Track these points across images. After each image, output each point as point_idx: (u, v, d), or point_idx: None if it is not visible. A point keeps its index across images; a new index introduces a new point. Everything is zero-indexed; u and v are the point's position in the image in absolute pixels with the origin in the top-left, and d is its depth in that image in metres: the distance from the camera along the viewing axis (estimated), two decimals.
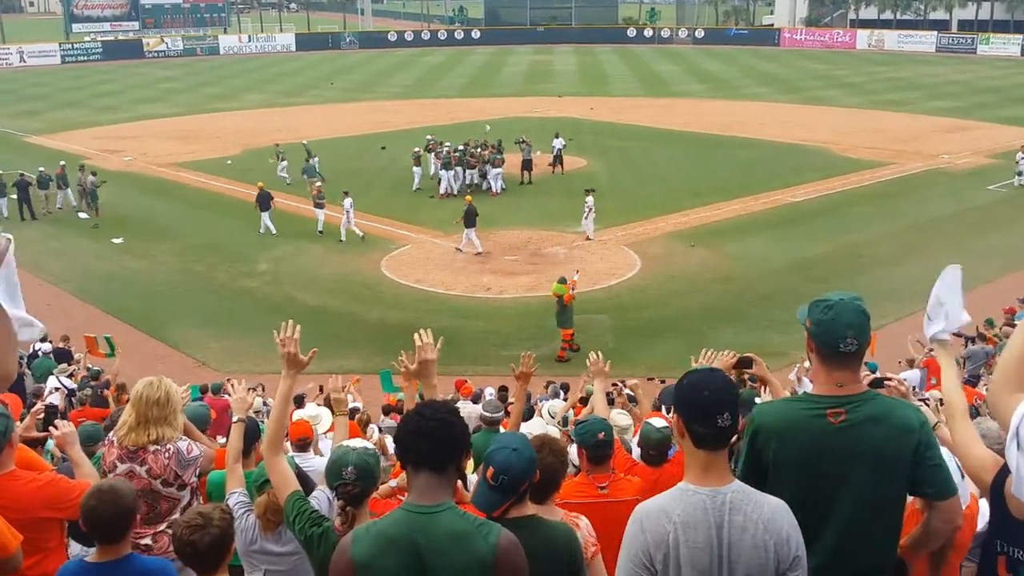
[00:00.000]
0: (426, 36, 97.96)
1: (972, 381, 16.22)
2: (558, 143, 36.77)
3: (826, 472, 3.65)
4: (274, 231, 28.90)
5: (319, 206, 28.52)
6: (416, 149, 34.98)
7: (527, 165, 35.17)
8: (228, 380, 14.15)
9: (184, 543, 4.07)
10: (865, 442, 3.63)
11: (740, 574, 3.24)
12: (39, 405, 8.45)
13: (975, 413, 12.12)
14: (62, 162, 32.72)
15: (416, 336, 4.92)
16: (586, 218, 27.68)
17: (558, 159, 36.70)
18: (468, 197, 28.63)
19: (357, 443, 4.30)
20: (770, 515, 3.29)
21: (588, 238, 27.76)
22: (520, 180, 34.93)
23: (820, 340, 3.66)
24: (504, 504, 3.75)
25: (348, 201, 28.04)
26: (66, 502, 4.86)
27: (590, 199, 27.59)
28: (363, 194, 29.89)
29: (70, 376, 15.38)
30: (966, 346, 18.12)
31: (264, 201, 29.12)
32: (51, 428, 5.68)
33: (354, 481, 4.14)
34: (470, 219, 26.63)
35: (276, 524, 4.94)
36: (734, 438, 3.40)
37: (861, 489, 3.66)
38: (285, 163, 35.39)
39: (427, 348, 4.87)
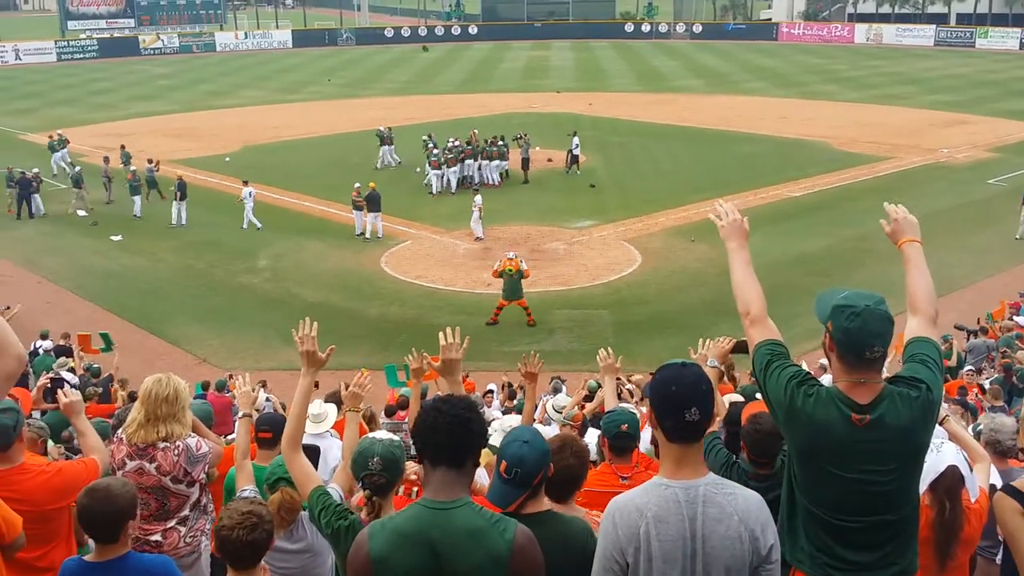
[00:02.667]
0: (423, 32, 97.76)
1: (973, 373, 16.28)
2: (575, 142, 36.11)
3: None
4: (183, 222, 29.53)
5: (358, 208, 28.29)
6: (430, 144, 34.87)
7: (525, 164, 34.90)
8: (231, 376, 14.19)
9: (243, 544, 4.03)
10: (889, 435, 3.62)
11: (717, 566, 3.28)
12: (44, 379, 8.47)
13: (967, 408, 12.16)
14: (133, 167, 32.23)
15: (441, 335, 4.91)
16: (475, 219, 27.58)
17: (575, 159, 36.14)
18: (372, 184, 28.67)
19: (383, 435, 4.29)
20: (744, 506, 3.33)
21: (478, 238, 27.62)
22: (523, 179, 34.74)
23: (844, 347, 3.64)
24: (519, 498, 3.76)
25: (247, 190, 29.19)
26: (77, 487, 4.87)
27: (478, 198, 27.74)
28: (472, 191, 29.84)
29: (71, 370, 15.37)
30: (968, 339, 18.19)
31: (182, 190, 29.73)
32: (58, 394, 5.66)
33: (380, 472, 4.14)
34: (374, 204, 27.56)
35: (289, 522, 4.93)
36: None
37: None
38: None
39: (452, 347, 4.87)
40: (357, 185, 28.72)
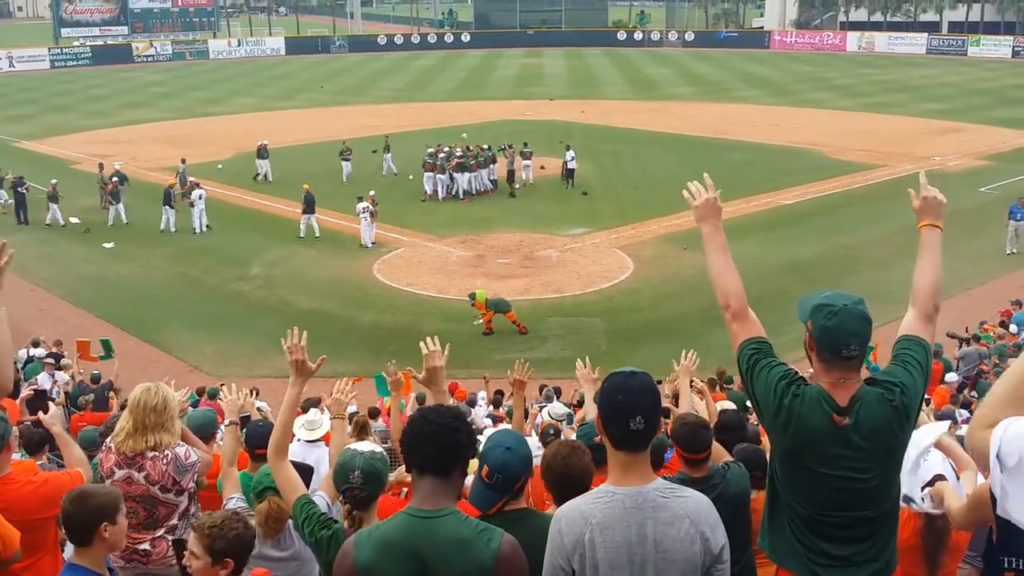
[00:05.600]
0: (416, 39, 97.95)
1: (965, 383, 16.33)
2: (570, 156, 35.11)
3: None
4: (172, 228, 29.77)
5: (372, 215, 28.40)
6: (430, 150, 34.75)
7: (511, 176, 34.54)
8: (222, 385, 14.20)
9: (236, 536, 3.96)
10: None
11: (672, 570, 3.30)
12: (27, 390, 8.46)
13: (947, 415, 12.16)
14: (192, 178, 32.20)
15: (422, 344, 4.90)
16: (365, 226, 27.85)
17: (570, 174, 35.04)
18: (305, 185, 29.26)
19: (364, 447, 4.28)
20: (695, 508, 3.36)
21: (361, 244, 27.79)
22: (509, 192, 34.42)
23: (823, 345, 3.68)
24: (500, 502, 3.80)
25: (197, 192, 29.94)
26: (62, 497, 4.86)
27: (361, 205, 27.92)
28: (355, 198, 29.81)
29: (51, 372, 15.40)
30: (960, 347, 18.22)
31: (168, 198, 29.96)
32: (39, 414, 5.70)
33: (361, 485, 4.14)
34: (309, 206, 28.49)
35: (276, 531, 4.92)
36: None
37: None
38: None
39: (435, 355, 4.86)
40: (372, 193, 29.15)
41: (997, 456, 2.97)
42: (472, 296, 21.32)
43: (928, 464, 4.63)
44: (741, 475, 5.31)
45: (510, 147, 35.50)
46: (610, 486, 3.40)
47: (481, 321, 21.20)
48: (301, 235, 28.66)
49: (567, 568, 3.34)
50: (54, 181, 31.57)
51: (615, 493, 3.36)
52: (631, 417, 3.33)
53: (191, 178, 32.02)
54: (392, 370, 6.52)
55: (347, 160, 36.69)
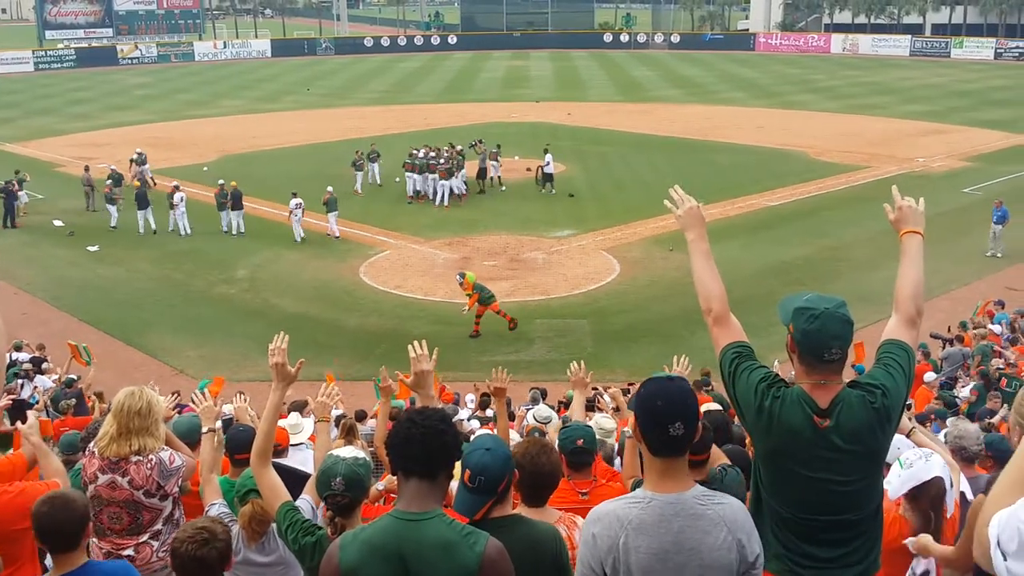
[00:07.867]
0: (402, 42, 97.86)
1: (949, 383, 16.41)
2: (547, 159, 34.68)
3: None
4: (153, 228, 30.02)
5: (332, 210, 28.67)
6: (413, 151, 34.69)
7: (482, 173, 34.51)
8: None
9: (191, 558, 4.02)
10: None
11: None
12: (6, 399, 8.38)
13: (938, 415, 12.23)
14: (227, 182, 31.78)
15: (410, 348, 4.88)
16: (297, 221, 28.44)
17: (548, 178, 34.57)
18: (234, 183, 30.20)
19: (347, 453, 4.26)
20: (732, 515, 3.35)
21: (303, 238, 28.49)
22: (479, 188, 34.55)
23: (804, 348, 3.69)
24: (485, 505, 3.75)
25: (179, 195, 30.11)
26: None
27: (293, 201, 28.36)
28: (341, 200, 29.74)
29: (25, 374, 15.34)
30: (943, 347, 18.30)
31: (142, 200, 30.11)
32: (16, 423, 5.68)
33: (343, 492, 4.11)
34: (236, 202, 29.84)
35: (260, 534, 4.91)
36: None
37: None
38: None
39: (422, 359, 4.84)
40: (330, 188, 29.31)
41: (998, 546, 3.01)
42: (462, 275, 21.40)
43: (929, 465, 4.65)
44: (739, 481, 5.29)
45: (480, 143, 35.46)
46: (647, 491, 3.38)
47: (468, 309, 21.19)
48: (223, 230, 29.57)
49: (599, 571, 3.32)
50: (108, 181, 31.54)
51: (652, 499, 3.34)
52: (671, 423, 3.30)
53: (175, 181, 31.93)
54: (384, 376, 6.50)
55: (359, 169, 35.50)
